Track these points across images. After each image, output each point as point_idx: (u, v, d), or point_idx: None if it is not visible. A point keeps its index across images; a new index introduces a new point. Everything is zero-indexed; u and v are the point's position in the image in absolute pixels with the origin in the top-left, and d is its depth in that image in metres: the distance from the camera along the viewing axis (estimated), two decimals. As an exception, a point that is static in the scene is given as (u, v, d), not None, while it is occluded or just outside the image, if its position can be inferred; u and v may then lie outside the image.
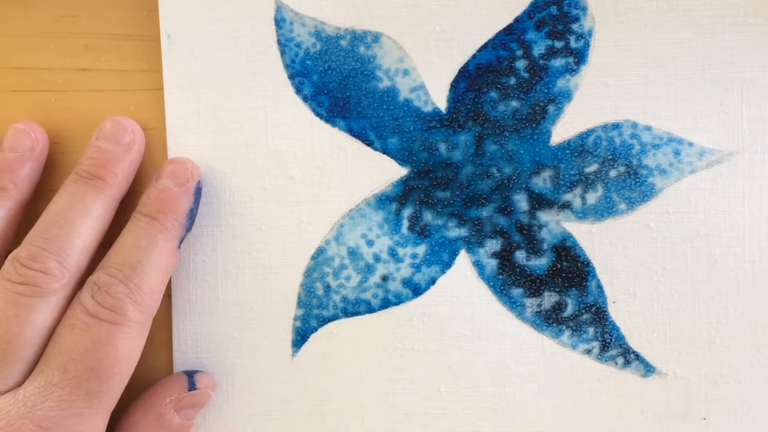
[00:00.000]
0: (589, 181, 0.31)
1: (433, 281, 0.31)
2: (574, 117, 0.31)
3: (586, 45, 0.30)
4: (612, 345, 0.31)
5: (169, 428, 0.29)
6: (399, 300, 0.31)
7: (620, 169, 0.31)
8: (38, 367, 0.27)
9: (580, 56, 0.31)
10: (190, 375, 0.30)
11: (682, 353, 0.31)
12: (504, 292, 0.31)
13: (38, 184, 0.31)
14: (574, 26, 0.30)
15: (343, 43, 0.31)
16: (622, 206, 0.31)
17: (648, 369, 0.31)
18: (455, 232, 0.31)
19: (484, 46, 0.31)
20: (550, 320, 0.31)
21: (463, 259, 0.31)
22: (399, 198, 0.31)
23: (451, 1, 0.31)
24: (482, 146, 0.31)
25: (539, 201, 0.31)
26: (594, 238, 0.31)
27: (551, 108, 0.31)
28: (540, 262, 0.31)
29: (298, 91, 0.31)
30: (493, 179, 0.31)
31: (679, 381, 0.31)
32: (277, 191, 0.31)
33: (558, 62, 0.31)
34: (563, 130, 0.31)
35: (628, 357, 0.31)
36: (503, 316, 0.31)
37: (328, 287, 0.31)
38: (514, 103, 0.31)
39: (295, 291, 0.31)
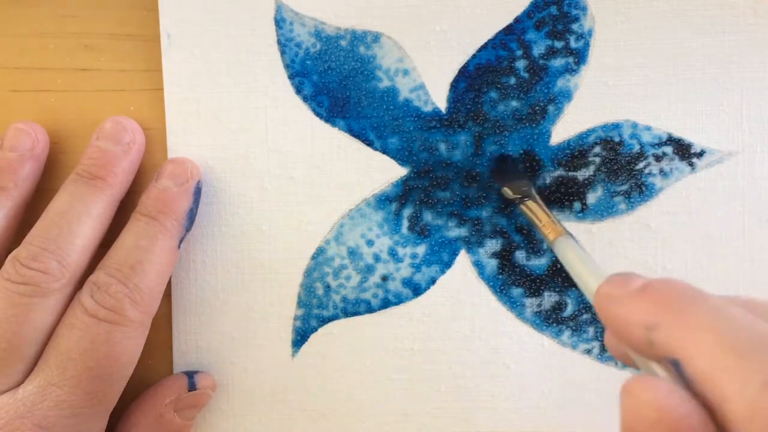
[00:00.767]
0: (589, 181, 0.31)
1: (433, 281, 0.31)
2: (574, 117, 0.31)
3: (586, 45, 0.30)
4: (612, 345, 0.31)
5: (169, 428, 0.29)
6: (399, 300, 0.31)
7: (620, 169, 0.31)
8: (38, 366, 0.27)
9: (580, 56, 0.31)
10: (191, 375, 0.30)
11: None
12: (504, 292, 0.31)
13: (38, 183, 0.31)
14: (574, 26, 0.30)
15: (343, 43, 0.31)
16: (622, 206, 0.31)
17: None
18: (455, 232, 0.31)
19: (484, 46, 0.31)
20: (550, 320, 0.31)
21: (463, 259, 0.31)
22: (399, 198, 0.31)
23: (451, 1, 0.31)
24: (482, 146, 0.31)
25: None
26: (594, 238, 0.31)
27: (551, 108, 0.31)
28: (540, 262, 0.31)
29: (298, 91, 0.31)
30: (493, 179, 0.31)
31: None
32: (277, 191, 0.31)
33: (558, 62, 0.31)
34: (563, 130, 0.31)
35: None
36: (503, 316, 0.31)
37: (328, 287, 0.31)
38: (514, 103, 0.31)
39: (295, 291, 0.31)
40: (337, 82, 0.31)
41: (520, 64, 0.31)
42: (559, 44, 0.31)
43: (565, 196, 0.31)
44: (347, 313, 0.31)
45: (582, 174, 0.31)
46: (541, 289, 0.31)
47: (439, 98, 0.31)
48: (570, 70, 0.31)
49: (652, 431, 0.16)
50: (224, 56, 0.31)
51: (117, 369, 0.27)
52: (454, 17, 0.31)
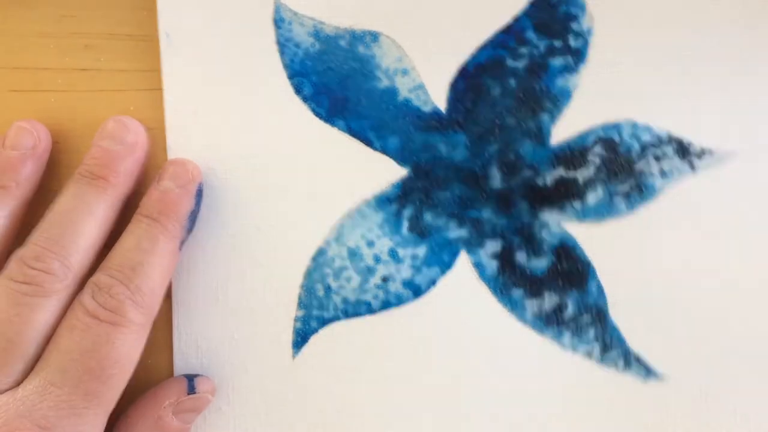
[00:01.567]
0: (589, 181, 0.31)
1: (433, 282, 0.31)
2: (573, 117, 0.31)
3: (585, 44, 0.30)
4: (612, 347, 0.31)
5: (167, 431, 0.29)
6: (399, 301, 0.31)
7: (620, 169, 0.31)
8: (38, 366, 0.27)
9: (579, 55, 0.30)
10: (190, 379, 0.30)
11: (682, 356, 0.31)
12: (504, 293, 0.31)
13: (39, 183, 0.30)
14: (573, 25, 0.30)
15: (342, 42, 0.31)
16: (623, 207, 0.31)
17: (648, 372, 0.31)
18: (455, 232, 0.31)
19: (484, 46, 0.31)
20: (551, 322, 0.31)
21: (463, 260, 0.31)
22: (399, 199, 0.31)
23: (450, 1, 0.30)
24: (482, 146, 0.31)
25: (539, 201, 0.31)
26: (594, 239, 0.31)
27: (551, 108, 0.31)
28: (540, 263, 0.31)
29: (298, 91, 0.31)
30: (493, 179, 0.31)
31: (679, 384, 0.31)
32: (277, 192, 0.31)
33: (557, 61, 0.30)
34: (563, 129, 0.31)
35: (629, 359, 0.31)
36: (504, 318, 0.31)
37: (328, 288, 0.31)
38: (514, 103, 0.31)
39: (296, 292, 0.31)
40: (337, 82, 0.31)
41: (520, 63, 0.31)
42: (558, 43, 0.30)
43: (565, 196, 0.31)
44: (348, 315, 0.31)
45: (582, 174, 0.31)
46: (541, 290, 0.31)
47: (438, 98, 0.31)
48: (569, 70, 0.31)
49: None
50: (223, 56, 0.31)
51: (117, 370, 0.27)
52: (453, 17, 0.31)
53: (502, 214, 0.31)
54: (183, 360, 0.31)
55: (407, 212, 0.31)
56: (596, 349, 0.31)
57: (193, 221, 0.30)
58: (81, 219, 0.28)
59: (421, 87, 0.31)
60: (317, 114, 0.31)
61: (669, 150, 0.30)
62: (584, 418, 0.31)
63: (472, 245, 0.31)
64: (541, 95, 0.31)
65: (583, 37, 0.30)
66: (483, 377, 0.31)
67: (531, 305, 0.31)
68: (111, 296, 0.27)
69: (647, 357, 0.31)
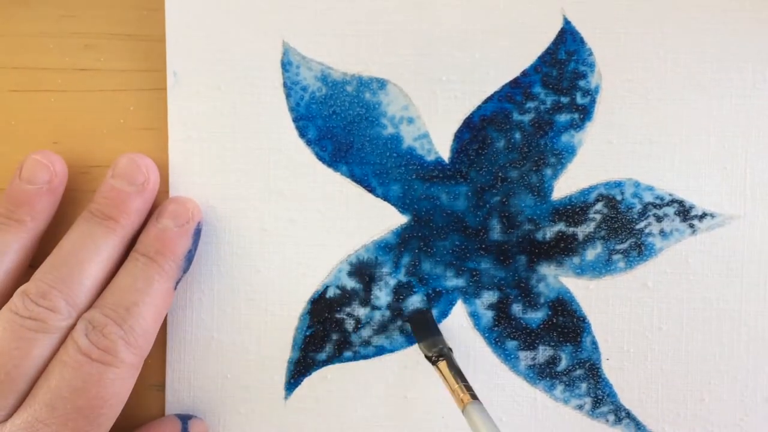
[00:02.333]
0: (589, 238, 0.31)
1: (428, 330, 0.31)
2: (576, 173, 0.31)
3: (593, 102, 0.30)
4: (604, 402, 0.31)
5: None
6: (394, 347, 0.31)
7: (620, 227, 0.31)
8: (27, 402, 0.27)
9: (585, 112, 0.30)
10: (184, 420, 0.30)
11: (672, 413, 0.31)
12: (499, 344, 0.31)
13: (54, 215, 0.31)
14: (581, 82, 0.30)
15: (349, 88, 0.31)
16: (621, 264, 0.31)
17: (639, 428, 0.31)
18: (453, 282, 0.31)
19: (490, 98, 0.31)
20: (544, 374, 0.31)
21: (459, 310, 0.31)
22: (398, 245, 0.31)
23: (459, 52, 0.30)
24: (483, 198, 0.31)
25: (538, 255, 0.31)
26: (591, 295, 0.31)
27: (554, 163, 0.31)
28: (536, 316, 0.31)
29: (302, 134, 0.31)
30: (493, 231, 0.31)
31: (669, 441, 0.31)
32: (277, 233, 0.31)
33: (563, 117, 0.31)
34: (565, 185, 0.31)
35: (620, 414, 0.31)
36: (497, 368, 0.31)
37: (323, 332, 0.31)
38: (518, 156, 0.31)
39: (291, 334, 0.31)
40: (342, 127, 0.31)
41: (526, 117, 0.31)
42: (565, 100, 0.30)
43: (564, 251, 0.31)
44: (341, 359, 0.31)
45: (582, 230, 0.31)
46: (535, 342, 0.31)
47: (442, 148, 0.31)
48: (575, 126, 0.31)
49: None
50: (230, 97, 0.31)
51: (106, 410, 0.27)
52: (460, 67, 0.30)
53: (500, 265, 0.31)
54: (175, 397, 0.31)
55: (406, 259, 0.31)
56: (588, 403, 0.31)
57: (190, 261, 0.30)
58: (89, 258, 0.28)
59: (425, 136, 0.31)
60: (321, 158, 0.31)
61: (670, 211, 0.31)
62: (572, 472, 0.31)
63: (469, 295, 0.31)
64: (545, 150, 0.31)
65: (591, 95, 0.30)
66: (474, 428, 0.31)
67: (525, 357, 0.31)
68: (104, 335, 0.27)
69: (639, 413, 0.31)
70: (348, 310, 0.31)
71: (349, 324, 0.31)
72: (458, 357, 0.31)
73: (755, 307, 0.31)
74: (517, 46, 0.30)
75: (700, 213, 0.31)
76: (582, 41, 0.30)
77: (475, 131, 0.31)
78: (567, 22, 0.30)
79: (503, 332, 0.31)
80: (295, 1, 0.30)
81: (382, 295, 0.31)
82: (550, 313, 0.31)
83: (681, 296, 0.31)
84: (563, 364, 0.31)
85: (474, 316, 0.31)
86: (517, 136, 0.31)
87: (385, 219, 0.31)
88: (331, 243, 0.31)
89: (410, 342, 0.31)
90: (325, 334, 0.31)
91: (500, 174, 0.31)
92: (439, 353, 0.29)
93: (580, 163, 0.31)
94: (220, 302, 0.31)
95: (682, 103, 0.30)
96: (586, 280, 0.31)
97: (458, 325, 0.31)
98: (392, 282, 0.31)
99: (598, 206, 0.31)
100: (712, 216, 0.30)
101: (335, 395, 0.31)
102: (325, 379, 0.31)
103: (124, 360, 0.27)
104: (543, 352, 0.31)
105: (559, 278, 0.31)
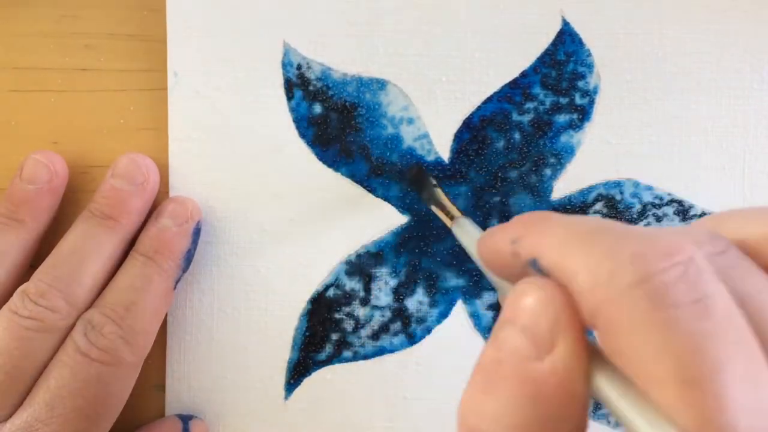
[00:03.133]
0: (589, 238, 0.31)
1: (429, 330, 0.31)
2: (576, 173, 0.31)
3: (591, 102, 0.31)
4: (605, 402, 0.31)
5: None
6: (394, 348, 0.31)
7: (620, 227, 0.31)
8: (26, 402, 0.26)
9: (584, 113, 0.31)
10: (185, 420, 0.30)
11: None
12: (499, 344, 0.31)
13: (55, 215, 0.30)
14: (580, 83, 0.31)
15: (350, 89, 0.31)
16: (621, 264, 0.31)
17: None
18: (453, 282, 0.31)
19: (490, 99, 0.31)
20: (544, 374, 0.31)
21: (459, 310, 0.31)
22: (398, 245, 0.31)
23: (458, 53, 0.31)
24: (483, 198, 0.31)
25: (538, 255, 0.31)
26: (591, 295, 0.31)
27: (554, 163, 0.31)
28: (536, 316, 0.31)
29: (303, 134, 0.31)
30: (493, 231, 0.31)
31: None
32: (277, 233, 0.31)
33: (562, 118, 0.31)
34: (565, 185, 0.31)
35: (621, 415, 0.31)
36: (497, 369, 0.31)
37: (323, 332, 0.31)
38: (517, 157, 0.31)
39: (290, 334, 0.31)
40: (342, 127, 0.31)
41: (525, 118, 0.31)
42: (564, 100, 0.31)
43: (564, 252, 0.31)
44: (341, 359, 0.31)
45: (582, 230, 0.31)
46: (536, 343, 0.31)
47: (442, 148, 0.31)
48: (574, 127, 0.31)
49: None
50: (230, 97, 0.31)
51: (106, 410, 0.27)
52: (460, 68, 0.31)
53: (500, 266, 0.31)
54: (175, 398, 0.31)
55: (405, 259, 0.31)
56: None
57: (189, 260, 0.30)
58: (89, 258, 0.28)
59: (425, 136, 0.31)
60: (321, 158, 0.31)
61: (669, 211, 0.31)
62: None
63: (469, 295, 0.31)
64: (545, 150, 0.31)
65: (590, 95, 0.30)
66: (474, 428, 0.31)
67: (525, 357, 0.31)
68: (103, 335, 0.27)
69: (638, 414, 0.31)
70: (348, 310, 0.31)
71: (349, 324, 0.31)
72: (458, 357, 0.31)
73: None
74: (517, 47, 0.30)
75: (699, 213, 0.31)
76: (581, 42, 0.30)
77: (474, 132, 0.31)
78: (566, 23, 0.30)
79: (503, 332, 0.31)
80: (296, 1, 0.31)
81: (381, 296, 0.31)
82: (550, 313, 0.31)
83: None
84: (563, 364, 0.31)
85: (474, 316, 0.31)
86: (517, 136, 0.31)
87: (385, 219, 0.31)
88: (331, 243, 0.31)
89: (410, 342, 0.31)
90: (325, 334, 0.31)
91: (500, 174, 0.31)
92: (431, 196, 0.29)
93: (579, 164, 0.31)
94: (220, 302, 0.31)
95: (680, 104, 0.30)
96: (586, 280, 0.31)
97: (458, 326, 0.31)
98: (392, 282, 0.31)
99: (598, 206, 0.31)
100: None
101: (335, 395, 0.31)
102: (324, 379, 0.31)
103: (123, 360, 0.27)
104: (543, 353, 0.31)
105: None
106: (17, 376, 0.26)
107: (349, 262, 0.31)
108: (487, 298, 0.31)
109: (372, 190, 0.31)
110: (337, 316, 0.31)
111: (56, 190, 0.30)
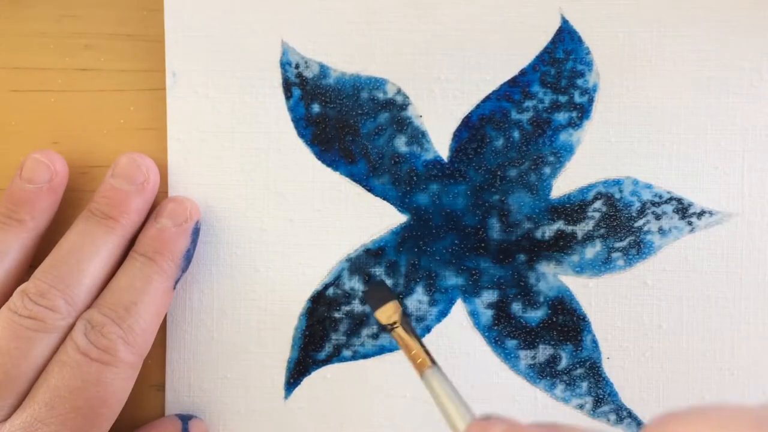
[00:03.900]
0: (588, 236, 0.31)
1: (428, 329, 0.31)
2: (575, 171, 0.31)
3: (590, 100, 0.31)
4: (605, 401, 0.31)
5: None
6: (393, 347, 0.31)
7: (619, 225, 0.31)
8: (26, 401, 0.26)
9: (583, 111, 0.31)
10: (185, 420, 0.30)
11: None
12: (499, 343, 0.31)
13: (55, 215, 0.30)
14: (579, 81, 0.30)
15: (348, 88, 0.31)
16: (620, 262, 0.31)
17: (640, 427, 0.31)
18: (452, 280, 0.31)
19: (488, 97, 0.31)
20: (544, 373, 0.31)
21: (459, 308, 0.31)
22: (397, 245, 0.31)
23: (457, 51, 0.31)
24: (482, 197, 0.31)
25: (537, 254, 0.31)
26: (591, 293, 0.31)
27: (553, 161, 0.31)
28: (536, 315, 0.31)
29: (301, 134, 0.31)
30: (492, 230, 0.31)
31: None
32: (276, 233, 0.31)
33: (561, 116, 0.31)
34: (564, 184, 0.31)
35: (621, 414, 0.31)
36: (497, 367, 0.31)
37: (323, 331, 0.31)
38: (516, 155, 0.31)
39: (290, 334, 0.31)
40: (340, 126, 0.31)
41: (524, 116, 0.31)
42: (563, 98, 0.31)
43: (563, 250, 0.31)
44: (341, 359, 0.31)
45: (581, 228, 0.31)
46: (536, 341, 0.31)
47: (441, 147, 0.31)
48: (573, 125, 0.31)
49: None
50: (228, 97, 0.31)
51: (105, 409, 0.27)
52: (459, 67, 0.31)
53: (499, 264, 0.31)
54: (175, 397, 0.31)
55: (405, 258, 0.31)
56: (588, 402, 0.31)
57: (189, 260, 0.30)
58: (88, 258, 0.28)
59: (424, 135, 0.31)
60: (319, 157, 0.31)
61: (669, 209, 0.31)
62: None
63: (469, 294, 0.31)
64: (544, 149, 0.31)
65: (589, 93, 0.30)
66: (474, 427, 0.31)
67: (525, 356, 0.31)
68: (103, 335, 0.27)
69: (640, 412, 0.31)
70: (347, 309, 0.31)
71: (349, 323, 0.31)
72: (458, 356, 0.31)
73: (754, 304, 0.31)
74: (516, 45, 0.30)
75: (698, 210, 0.31)
76: (580, 40, 0.30)
77: (473, 130, 0.31)
78: (565, 21, 0.30)
79: (503, 331, 0.31)
80: (295, 0, 0.31)
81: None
82: (549, 311, 0.31)
83: (680, 294, 0.31)
84: (563, 363, 0.31)
85: (474, 315, 0.31)
86: (516, 134, 0.31)
87: (384, 218, 0.31)
88: (331, 242, 0.31)
89: (410, 341, 0.31)
90: (325, 333, 0.31)
91: (499, 173, 0.31)
92: (395, 322, 0.28)
93: (578, 162, 0.31)
94: (219, 302, 0.31)
95: (679, 102, 0.30)
96: (586, 278, 0.31)
97: (458, 324, 0.31)
98: (391, 281, 0.31)
99: (597, 204, 0.31)
100: (711, 213, 0.31)
101: (335, 395, 0.31)
102: (324, 378, 0.31)
103: (122, 359, 0.27)
104: (543, 351, 0.31)
105: (558, 277, 0.31)
106: (16, 375, 0.26)
107: (348, 262, 0.31)
108: (486, 296, 0.31)
109: (371, 189, 0.31)
110: (336, 315, 0.31)
111: (56, 190, 0.30)
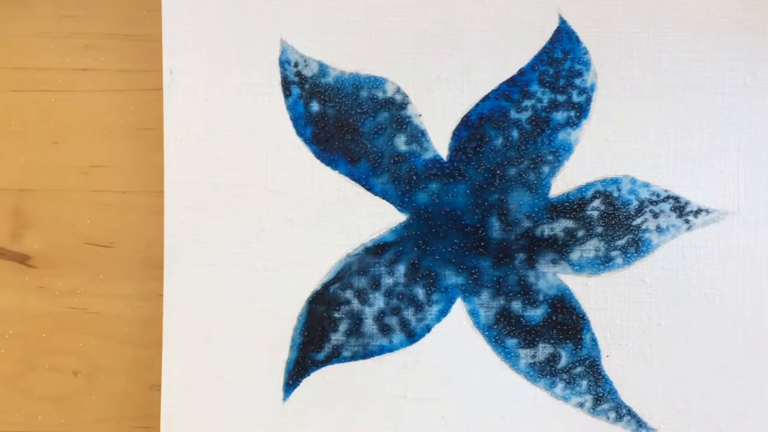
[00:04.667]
0: (587, 235, 0.31)
1: (428, 328, 0.31)
2: (574, 170, 0.31)
3: (588, 100, 0.31)
4: (604, 399, 0.31)
5: None
6: (393, 346, 0.31)
7: (618, 223, 0.31)
8: None
9: (581, 110, 0.31)
10: None
11: (672, 408, 0.31)
12: (499, 341, 0.31)
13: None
14: (577, 81, 0.31)
15: (347, 86, 0.31)
16: (619, 261, 0.31)
17: (639, 425, 0.31)
18: (452, 280, 0.31)
19: (487, 97, 0.31)
20: (544, 372, 0.31)
21: (459, 307, 0.31)
22: (397, 244, 0.31)
23: (456, 51, 0.31)
24: (482, 196, 0.31)
25: (536, 252, 0.31)
26: (590, 291, 0.31)
27: (552, 160, 0.31)
28: (535, 313, 0.31)
29: (300, 132, 0.31)
30: (492, 229, 0.31)
31: (669, 437, 0.31)
32: (275, 232, 0.31)
33: (560, 115, 0.31)
34: (563, 182, 0.31)
35: (620, 411, 0.31)
36: (497, 367, 0.31)
37: (322, 332, 0.31)
38: (515, 154, 0.31)
39: (289, 334, 0.31)
40: (339, 125, 0.31)
41: (523, 115, 0.31)
42: (561, 98, 0.31)
43: (562, 248, 0.31)
44: (340, 359, 0.31)
45: (580, 227, 0.31)
46: (535, 340, 0.31)
47: (440, 146, 0.31)
48: (571, 124, 0.31)
49: None
50: (227, 94, 0.31)
51: None
52: (458, 66, 0.31)
53: (499, 263, 0.31)
54: (171, 398, 0.31)
55: (405, 258, 0.31)
56: (588, 400, 0.31)
57: None
58: None
59: (424, 134, 0.31)
60: (318, 156, 0.31)
61: (666, 207, 0.31)
62: (574, 471, 0.31)
63: (468, 293, 0.31)
64: (543, 148, 0.31)
65: (587, 93, 0.31)
66: (474, 424, 0.31)
67: (525, 355, 0.31)
68: None
69: (639, 410, 0.31)
70: (347, 309, 0.31)
71: (348, 323, 0.31)
72: (458, 355, 0.31)
73: (752, 300, 0.31)
74: (514, 45, 0.31)
75: (695, 209, 0.31)
76: (578, 40, 0.31)
77: (473, 129, 0.31)
78: (563, 22, 0.31)
79: (503, 330, 0.31)
80: None
81: (380, 294, 0.31)
82: (549, 310, 0.31)
83: (678, 292, 0.31)
84: (563, 361, 0.31)
85: (473, 314, 0.31)
86: (515, 134, 0.31)
87: (383, 217, 0.31)
88: (330, 242, 0.31)
89: (410, 341, 0.31)
90: (324, 333, 0.31)
91: (498, 172, 0.31)
92: None
93: (576, 161, 0.31)
94: (217, 303, 0.31)
95: (676, 101, 0.31)
96: (585, 276, 0.31)
97: (458, 324, 0.31)
98: (391, 281, 0.31)
99: (596, 203, 0.31)
100: (707, 212, 0.31)
101: (334, 396, 0.31)
102: (324, 379, 0.31)
103: None
104: (543, 350, 0.31)
105: (557, 275, 0.31)
106: None
107: (348, 261, 0.31)
108: (486, 295, 0.31)
109: (370, 189, 0.31)
110: (336, 315, 0.31)
111: None
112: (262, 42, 0.31)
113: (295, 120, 0.31)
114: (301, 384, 0.31)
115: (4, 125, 0.31)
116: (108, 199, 0.31)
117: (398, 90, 0.31)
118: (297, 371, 0.31)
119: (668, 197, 0.31)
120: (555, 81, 0.31)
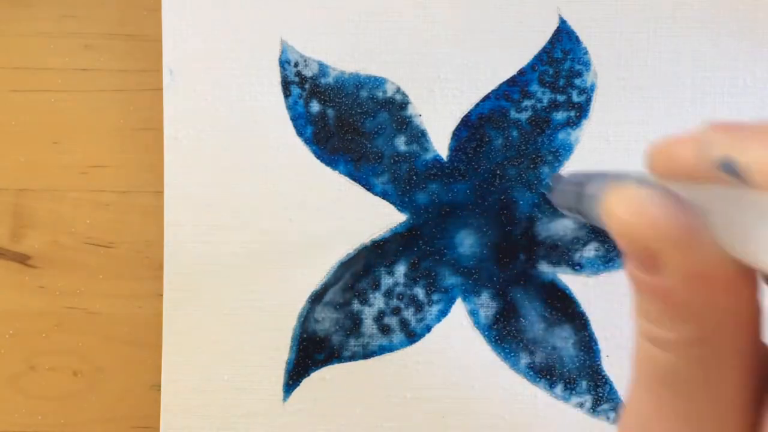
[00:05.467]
0: (587, 235, 0.31)
1: (428, 328, 0.31)
2: (574, 170, 0.31)
3: (588, 99, 0.31)
4: (605, 399, 0.31)
5: None
6: (393, 347, 0.31)
7: (618, 223, 0.31)
8: None
9: (582, 110, 0.31)
10: None
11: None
12: (498, 342, 0.31)
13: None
14: (577, 81, 0.31)
15: (347, 86, 0.31)
16: (619, 261, 0.31)
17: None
18: (452, 279, 0.31)
19: (487, 97, 0.31)
20: (544, 372, 0.31)
21: (459, 308, 0.31)
22: (397, 244, 0.31)
23: (457, 50, 0.31)
24: (482, 196, 0.31)
25: (536, 253, 0.31)
26: (590, 291, 0.31)
27: (552, 160, 0.31)
28: (535, 313, 0.31)
29: (300, 132, 0.31)
30: (492, 229, 0.31)
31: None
32: (275, 233, 0.31)
33: (560, 115, 0.31)
34: (563, 182, 0.31)
35: (621, 412, 0.31)
36: (497, 367, 0.31)
37: (322, 332, 0.31)
38: (515, 154, 0.31)
39: (289, 334, 0.31)
40: (339, 125, 0.31)
41: (523, 115, 0.31)
42: (561, 98, 0.31)
43: (562, 248, 0.31)
44: (341, 359, 0.31)
45: (580, 227, 0.31)
46: (535, 340, 0.31)
47: (440, 146, 0.31)
48: (572, 124, 0.31)
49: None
50: (226, 94, 0.31)
51: None
52: (458, 66, 0.31)
53: (499, 263, 0.31)
54: (171, 398, 0.31)
55: (404, 258, 0.31)
56: (588, 400, 0.31)
57: None
58: None
59: (424, 134, 0.31)
60: (319, 157, 0.31)
61: (666, 207, 0.31)
62: (574, 471, 0.31)
63: (469, 293, 0.31)
64: (543, 148, 0.31)
65: (587, 93, 0.31)
66: (475, 426, 0.31)
67: (525, 355, 0.31)
68: None
69: (638, 411, 0.31)
70: (347, 309, 0.31)
71: (348, 323, 0.31)
72: (458, 355, 0.31)
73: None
74: (514, 44, 0.31)
75: (696, 209, 0.31)
76: (577, 40, 0.31)
77: (473, 129, 0.31)
78: (563, 22, 0.31)
79: (503, 330, 0.31)
80: None
81: (380, 294, 0.31)
82: (549, 310, 0.31)
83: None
84: (563, 361, 0.31)
85: (473, 314, 0.31)
86: (515, 134, 0.31)
87: (383, 217, 0.31)
88: (330, 242, 0.31)
89: (410, 341, 0.31)
90: (324, 333, 0.31)
91: (498, 172, 0.31)
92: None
93: (577, 161, 0.31)
94: (217, 303, 0.31)
95: (676, 101, 0.31)
96: (585, 276, 0.31)
97: (458, 324, 0.31)
98: (391, 281, 0.31)
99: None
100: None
101: (335, 396, 0.31)
102: (324, 379, 0.31)
103: None
104: (543, 350, 0.31)
105: (557, 275, 0.31)
106: None
107: (348, 261, 0.31)
108: (486, 295, 0.31)
109: (370, 189, 0.31)
110: (336, 315, 0.31)
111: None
112: (262, 42, 0.31)
113: (295, 120, 0.31)
114: (301, 384, 0.31)
115: (3, 125, 0.31)
116: (108, 199, 0.31)
117: (398, 90, 0.31)
118: (297, 371, 0.31)
119: (668, 197, 0.31)
120: (555, 81, 0.31)
